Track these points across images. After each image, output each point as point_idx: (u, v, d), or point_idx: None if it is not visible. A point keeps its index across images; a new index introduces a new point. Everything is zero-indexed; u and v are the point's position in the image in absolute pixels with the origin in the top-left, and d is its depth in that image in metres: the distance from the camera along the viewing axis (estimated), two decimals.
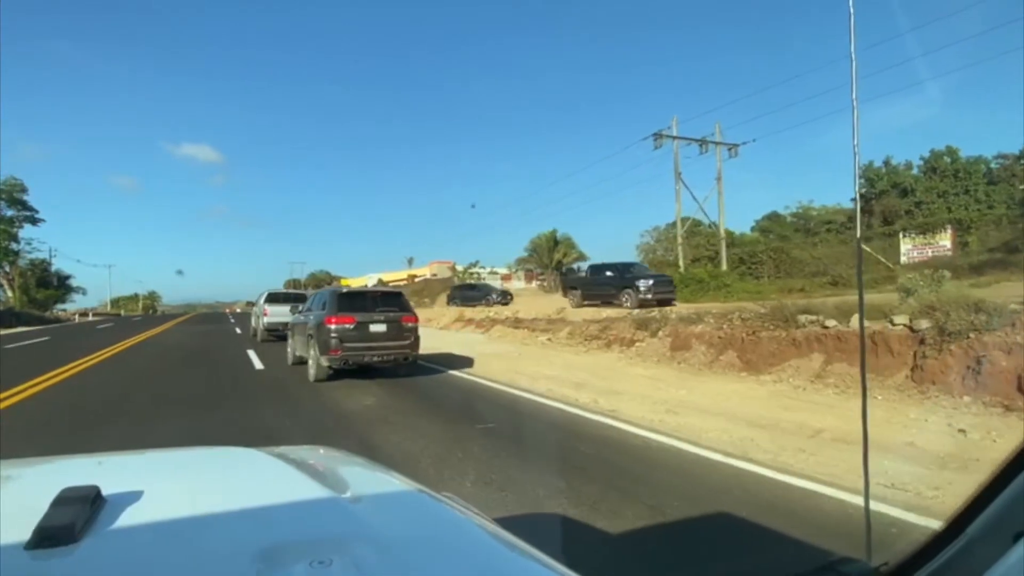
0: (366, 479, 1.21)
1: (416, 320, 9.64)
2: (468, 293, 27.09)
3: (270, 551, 0.70)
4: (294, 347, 10.98)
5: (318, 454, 1.44)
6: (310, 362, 9.33)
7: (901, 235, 20.45)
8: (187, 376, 10.03)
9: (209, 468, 1.26)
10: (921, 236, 19.66)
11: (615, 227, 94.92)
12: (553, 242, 57.53)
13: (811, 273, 20.83)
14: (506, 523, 1.02)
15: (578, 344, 13.49)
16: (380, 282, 60.92)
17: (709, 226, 49.13)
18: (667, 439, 5.38)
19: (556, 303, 28.90)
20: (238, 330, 23.45)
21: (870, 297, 10.63)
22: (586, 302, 19.42)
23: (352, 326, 8.83)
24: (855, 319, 8.56)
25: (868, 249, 19.79)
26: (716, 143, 22.98)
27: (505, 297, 25.94)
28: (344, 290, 10.21)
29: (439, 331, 20.63)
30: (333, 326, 8.73)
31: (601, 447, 5.20)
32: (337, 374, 9.23)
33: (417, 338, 9.54)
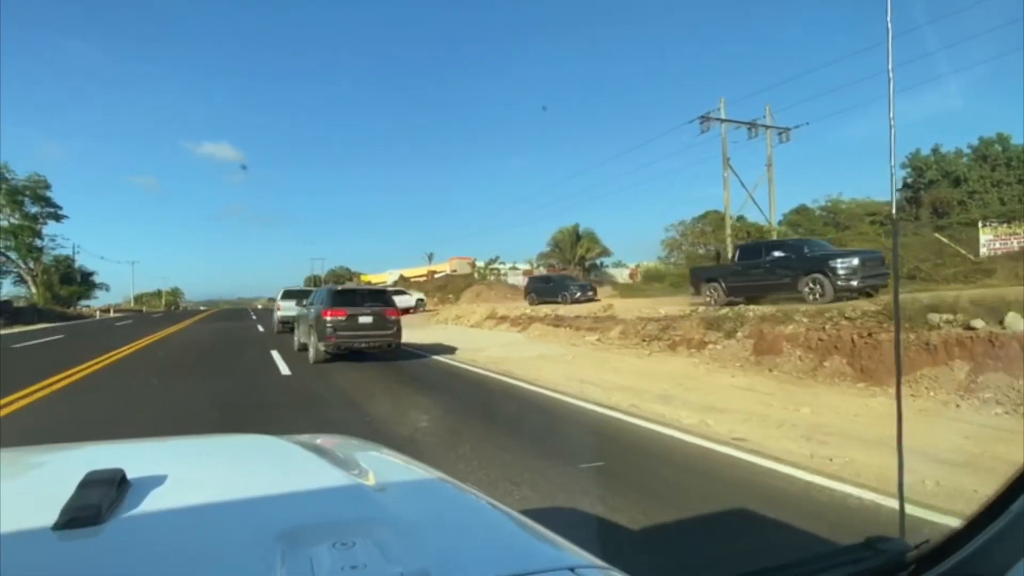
0: (388, 466, 1.21)
1: (398, 314, 11.26)
2: (543, 287, 22.63)
3: (293, 532, 0.70)
4: (299, 336, 12.62)
5: (340, 442, 1.41)
6: (311, 347, 10.89)
7: (980, 225, 18.53)
8: (198, 389, 7.97)
9: (232, 454, 1.26)
10: (1005, 226, 17.75)
11: (639, 222, 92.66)
12: (576, 236, 55.90)
13: None
14: (529, 515, 0.94)
15: (635, 346, 11.96)
16: (401, 278, 59.79)
17: (737, 219, 47.26)
18: (871, 495, 3.63)
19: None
20: (260, 327, 22.29)
21: (970, 293, 8.95)
22: (731, 297, 13.35)
23: (344, 318, 10.28)
24: (1011, 318, 6.94)
25: (945, 240, 17.94)
26: (766, 126, 21.20)
27: (587, 291, 21.15)
28: (338, 288, 12.02)
29: (470, 329, 19.22)
30: (329, 318, 10.19)
31: (789, 512, 3.40)
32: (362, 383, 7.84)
33: (399, 328, 11.06)
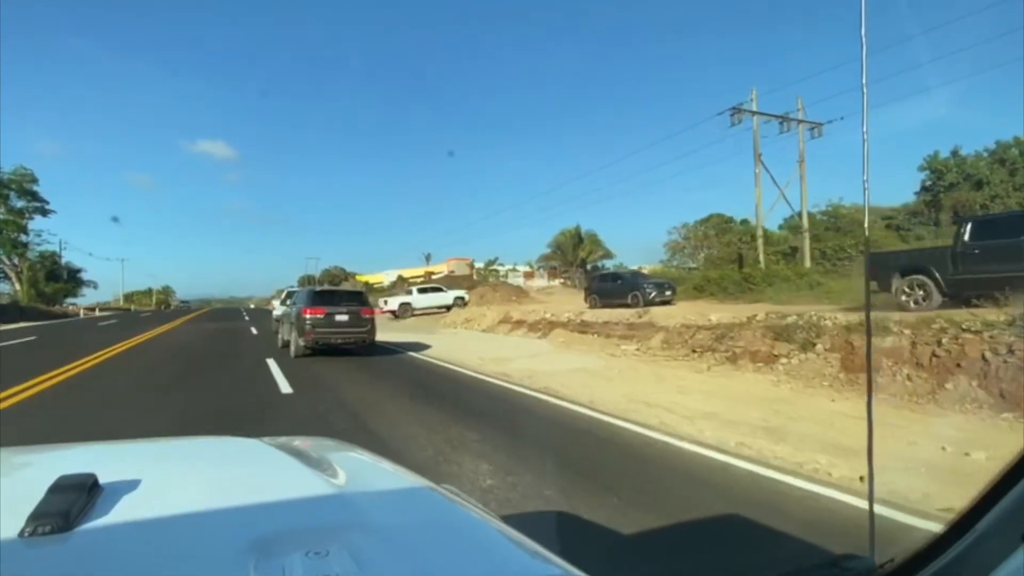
0: (368, 470, 1.19)
1: (372, 313, 12.20)
2: (610, 286, 18.60)
3: (267, 540, 0.69)
4: (282, 333, 13.39)
5: (320, 445, 1.38)
6: (291, 343, 11.84)
7: None
8: (172, 418, 6.13)
9: (209, 457, 1.23)
10: None
11: (639, 226, 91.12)
12: (578, 239, 54.62)
13: None
14: (512, 520, 0.97)
15: (684, 357, 10.41)
16: (400, 279, 58.10)
17: (740, 223, 45.91)
18: None
19: (576, 303, 26.00)
20: (254, 329, 20.57)
21: None
22: (950, 296, 9.58)
23: (322, 316, 11.15)
24: None
25: None
26: (799, 120, 19.75)
27: (664, 291, 17.43)
28: (317, 289, 13.38)
29: (483, 335, 17.60)
30: (308, 316, 11.10)
31: None
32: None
33: (373, 326, 11.96)
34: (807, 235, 20.26)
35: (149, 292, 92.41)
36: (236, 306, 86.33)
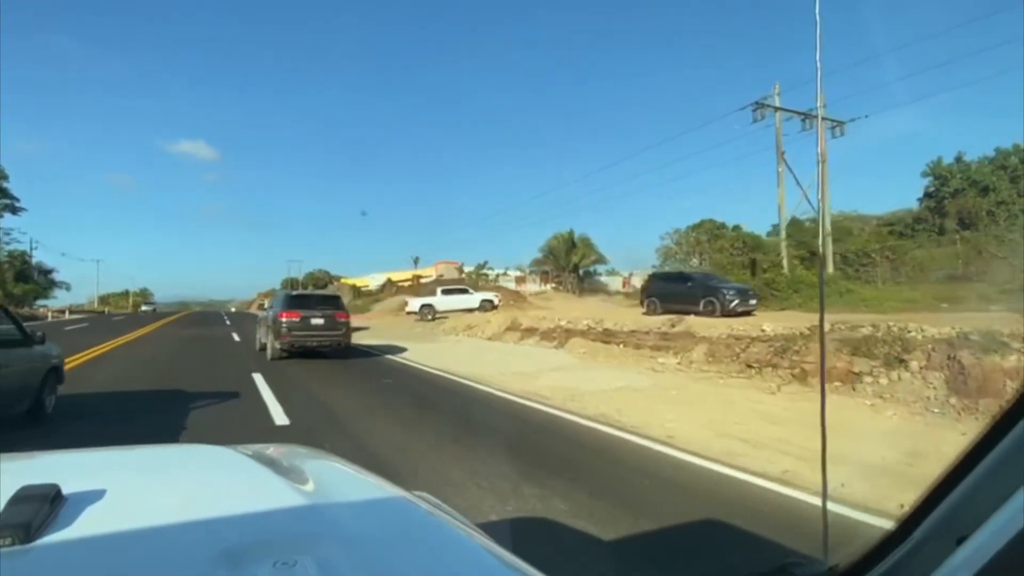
0: (340, 479, 1.16)
1: (347, 316, 12.30)
2: (676, 289, 15.45)
3: (233, 552, 0.68)
4: (259, 336, 13.36)
5: (292, 453, 1.35)
6: (268, 346, 11.83)
7: None
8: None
9: (177, 466, 1.20)
10: None
11: (629, 231, 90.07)
12: (571, 243, 53.35)
13: (948, 277, 16.51)
14: (491, 527, 1.12)
15: (738, 374, 9.01)
16: (389, 281, 56.33)
17: (732, 229, 45.08)
18: None
19: (597, 308, 24.47)
20: (235, 336, 18.77)
21: None
22: None
23: (298, 319, 11.29)
24: None
25: None
26: (824, 118, 18.61)
27: (748, 298, 14.34)
28: (294, 293, 13.54)
29: (491, 343, 16.05)
30: (284, 319, 11.22)
31: None
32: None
33: (348, 329, 12.19)
34: (830, 239, 19.09)
35: (126, 294, 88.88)
36: (216, 309, 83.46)
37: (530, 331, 15.86)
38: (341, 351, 12.08)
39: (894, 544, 0.78)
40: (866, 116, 18.57)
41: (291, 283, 70.62)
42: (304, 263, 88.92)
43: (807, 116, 18.55)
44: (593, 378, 9.16)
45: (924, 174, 33.74)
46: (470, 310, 24.12)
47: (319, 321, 11.56)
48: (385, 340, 17.36)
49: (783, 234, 19.15)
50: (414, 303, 25.99)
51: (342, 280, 72.94)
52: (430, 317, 24.32)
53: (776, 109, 17.79)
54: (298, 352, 11.51)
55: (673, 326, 12.03)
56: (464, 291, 26.25)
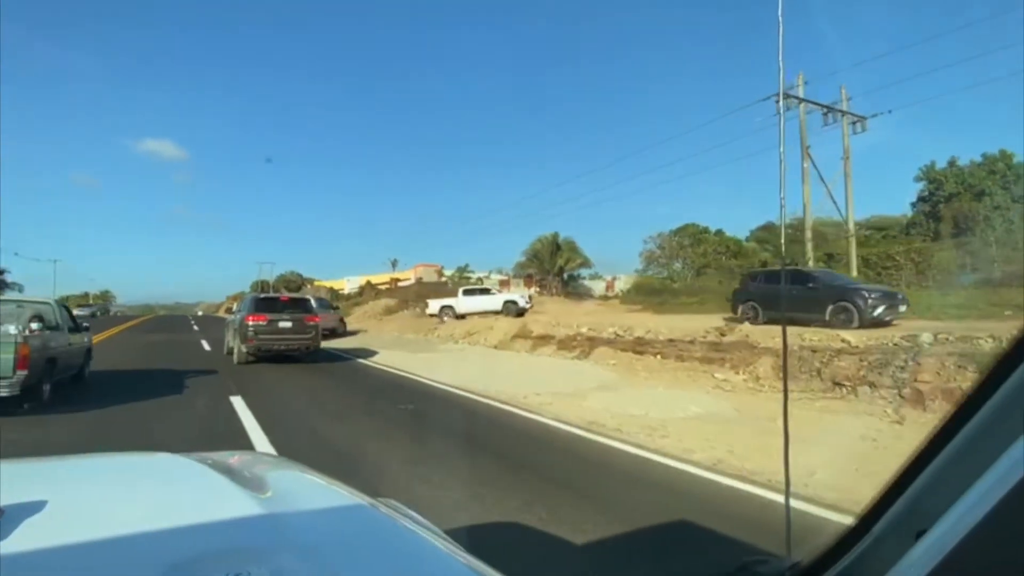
0: (302, 487, 1.11)
1: (317, 320, 12.15)
2: (791, 291, 11.84)
3: (182, 564, 0.65)
4: (227, 339, 13.00)
5: (254, 461, 1.32)
6: (235, 350, 11.79)
7: None
8: None
9: (126, 476, 1.12)
10: None
11: (612, 235, 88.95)
12: (555, 246, 52.11)
13: (984, 281, 15.41)
14: (461, 533, 0.99)
15: (827, 394, 7.45)
16: (369, 284, 54.04)
17: (715, 233, 44.36)
18: None
19: (598, 312, 22.87)
20: (206, 344, 16.52)
21: None
22: None
23: (265, 323, 11.26)
24: None
25: None
26: (842, 111, 17.43)
27: (896, 304, 11.41)
28: (261, 296, 13.36)
29: (500, 353, 14.23)
30: (250, 323, 11.16)
31: None
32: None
33: (318, 333, 12.04)
34: (853, 240, 17.88)
35: (85, 296, 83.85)
36: (183, 313, 79.37)
37: (544, 339, 14.12)
38: (344, 364, 11.46)
39: (855, 539, 0.75)
40: (889, 111, 17.49)
41: (261, 286, 67.30)
42: (276, 265, 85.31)
43: (831, 109, 17.34)
44: (654, 401, 7.46)
45: (917, 178, 33.34)
46: (494, 313, 21.62)
47: (287, 325, 11.37)
48: (378, 348, 15.40)
49: (808, 234, 17.84)
50: (434, 304, 24.12)
51: (316, 282, 70.21)
52: (448, 318, 22.31)
53: (800, 100, 16.51)
54: (266, 356, 11.27)
55: (723, 334, 10.44)
56: (486, 291, 24.00)
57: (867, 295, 11.16)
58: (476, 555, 0.85)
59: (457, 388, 8.70)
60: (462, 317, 21.71)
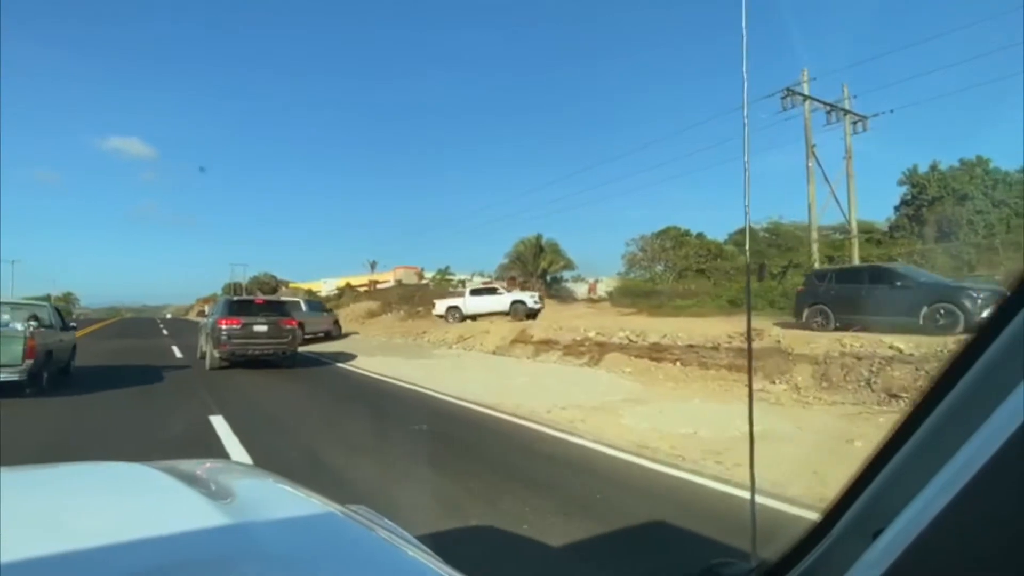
0: (270, 496, 1.08)
1: (294, 323, 11.74)
2: (865, 294, 10.59)
3: None
4: (200, 343, 12.56)
5: (219, 469, 1.27)
6: (207, 354, 11.21)
7: None
8: None
9: (83, 486, 1.07)
10: None
11: (593, 238, 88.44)
12: (539, 248, 51.47)
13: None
14: (436, 538, 1.01)
15: (883, 406, 6.72)
16: (348, 286, 52.55)
17: (696, 236, 44.22)
18: None
19: (592, 315, 22.03)
20: (177, 351, 15.16)
21: None
22: None
23: (238, 326, 10.76)
24: None
25: None
26: (844, 110, 17.00)
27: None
28: (235, 298, 13.22)
29: (497, 358, 13.30)
30: (223, 326, 10.67)
31: None
32: None
33: (295, 337, 11.68)
34: (856, 242, 17.44)
35: (47, 298, 79.95)
36: (150, 316, 76.25)
37: (546, 344, 13.22)
38: (334, 371, 11.16)
39: (817, 539, 0.75)
40: (891, 111, 17.14)
41: (233, 288, 64.98)
42: (249, 267, 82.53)
43: (832, 108, 16.88)
44: (698, 416, 6.61)
45: (900, 182, 33.56)
46: (502, 313, 20.24)
47: (262, 328, 10.92)
48: (367, 354, 14.30)
49: (814, 235, 17.35)
50: (440, 305, 22.96)
51: (291, 285, 68.28)
52: (456, 319, 21.08)
53: (806, 98, 16.00)
54: (240, 361, 10.83)
55: (761, 340, 9.68)
56: (493, 291, 22.29)
57: (975, 295, 9.36)
58: (450, 562, 0.85)
59: (469, 402, 7.73)
60: (472, 318, 20.41)
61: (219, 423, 6.01)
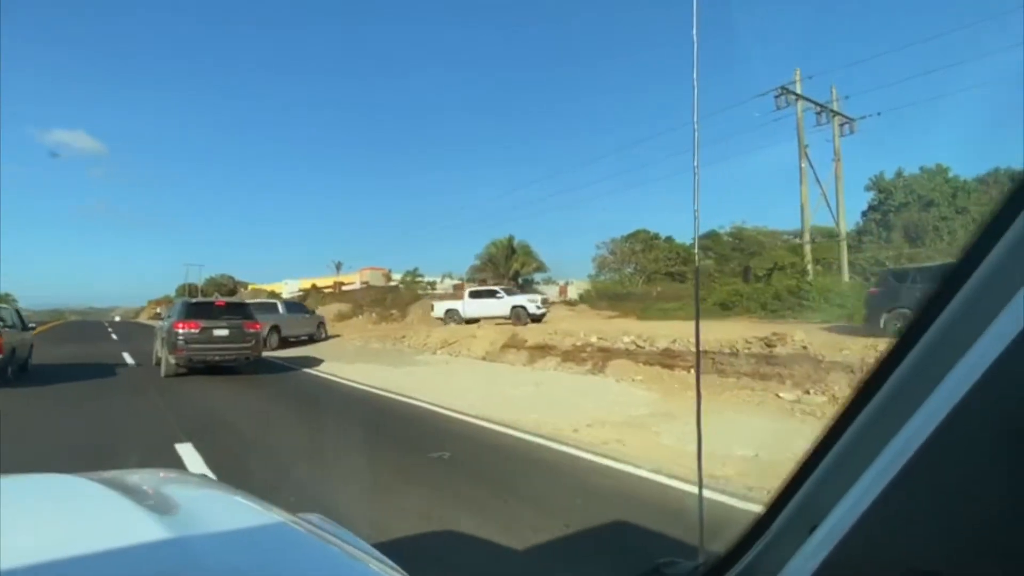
0: (215, 506, 1.04)
1: (258, 327, 11.08)
2: None
3: None
4: (155, 349, 11.81)
5: (158, 479, 1.19)
6: (162, 361, 10.42)
7: None
8: None
9: (15, 499, 0.95)
10: None
11: (563, 240, 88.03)
12: (511, 250, 50.84)
13: None
14: (395, 545, 1.02)
15: None
16: (314, 288, 50.65)
17: (665, 240, 44.39)
18: None
19: (575, 318, 21.37)
20: (128, 357, 13.61)
21: None
22: None
23: (197, 331, 10.04)
24: None
25: None
26: (832, 111, 16.81)
27: None
28: (193, 301, 13.09)
29: (488, 365, 12.33)
30: (180, 330, 9.95)
31: None
32: None
33: (259, 342, 11.07)
34: (845, 244, 17.25)
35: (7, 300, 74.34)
36: (97, 318, 71.81)
37: (542, 350, 12.35)
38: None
39: (760, 533, 0.75)
40: (878, 114, 17.05)
41: (188, 289, 61.77)
42: (205, 268, 78.76)
43: (821, 109, 16.66)
44: (746, 433, 5.84)
45: (867, 188, 34.21)
46: (503, 319, 18.73)
47: (223, 332, 10.26)
48: (345, 360, 13.12)
49: (807, 236, 17.06)
50: (439, 307, 21.76)
51: (251, 286, 65.55)
52: (453, 322, 19.81)
53: (799, 97, 15.68)
54: (199, 368, 10.20)
55: (770, 345, 9.05)
56: (492, 294, 20.57)
57: None
58: (410, 569, 0.84)
59: (479, 418, 6.77)
60: (474, 322, 19.03)
61: (189, 454, 4.89)
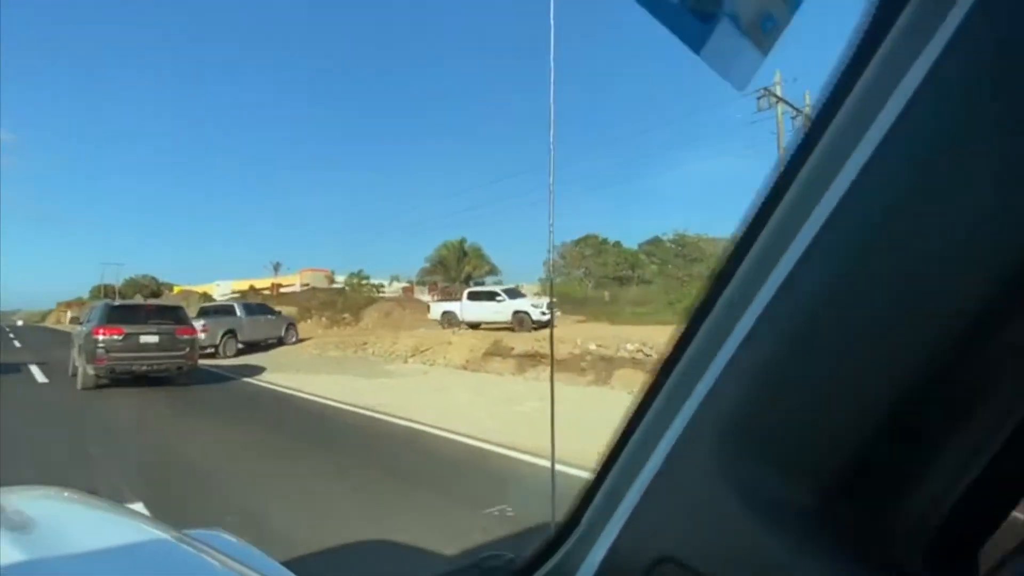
0: (94, 526, 0.95)
1: (193, 332, 10.01)
2: None
3: None
4: (72, 357, 10.39)
5: (33, 497, 1.09)
6: (80, 371, 9.34)
7: None
8: None
9: None
10: None
11: (515, 243, 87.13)
12: (462, 252, 49.85)
13: None
14: (316, 558, 0.96)
15: None
16: (252, 289, 47.39)
17: (613, 245, 44.76)
18: None
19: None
20: (37, 372, 11.35)
21: None
22: None
23: (120, 337, 8.96)
24: None
25: None
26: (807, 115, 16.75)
27: None
28: (116, 303, 11.00)
29: (473, 375, 11.09)
30: (100, 337, 8.86)
31: None
32: None
33: (193, 349, 9.81)
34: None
35: None
36: None
37: (532, 358, 11.24)
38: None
39: (568, 532, 0.74)
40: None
41: (104, 290, 56.32)
42: (124, 267, 72.30)
43: (798, 112, 16.60)
44: None
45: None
46: (504, 325, 16.68)
47: (151, 339, 9.28)
48: (307, 371, 11.49)
49: None
50: (435, 309, 20.34)
51: (175, 288, 60.80)
52: (449, 326, 18.17)
53: (779, 99, 15.51)
54: (124, 379, 9.10)
55: None
56: (492, 296, 18.12)
57: None
58: None
59: (502, 445, 5.53)
60: (475, 327, 17.32)
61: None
